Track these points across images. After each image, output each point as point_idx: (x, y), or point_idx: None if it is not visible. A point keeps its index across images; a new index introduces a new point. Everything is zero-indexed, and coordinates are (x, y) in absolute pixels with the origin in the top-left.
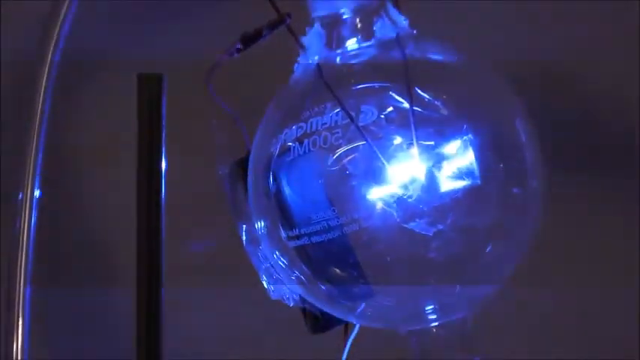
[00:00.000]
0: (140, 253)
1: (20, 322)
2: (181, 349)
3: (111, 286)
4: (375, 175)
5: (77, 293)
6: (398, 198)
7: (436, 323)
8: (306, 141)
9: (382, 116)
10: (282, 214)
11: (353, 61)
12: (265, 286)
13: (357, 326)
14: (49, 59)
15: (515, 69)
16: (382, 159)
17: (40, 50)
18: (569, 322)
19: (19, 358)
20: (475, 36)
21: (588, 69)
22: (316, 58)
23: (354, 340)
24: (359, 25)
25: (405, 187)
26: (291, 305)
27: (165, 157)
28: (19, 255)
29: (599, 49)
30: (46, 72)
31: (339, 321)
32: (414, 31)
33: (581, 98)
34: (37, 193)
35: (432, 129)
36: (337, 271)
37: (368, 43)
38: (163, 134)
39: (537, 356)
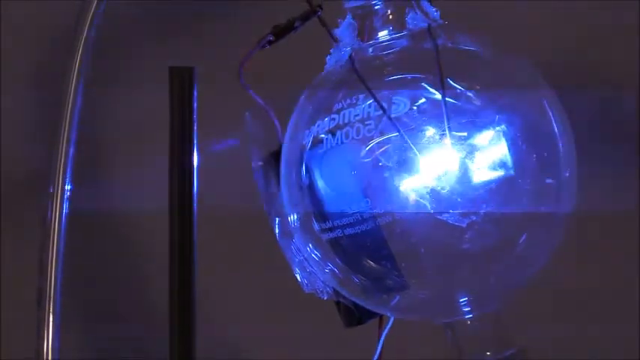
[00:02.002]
0: (172, 245)
1: (51, 319)
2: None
3: (144, 283)
4: (408, 167)
5: (110, 292)
6: (431, 189)
7: (470, 315)
8: (338, 133)
9: (415, 107)
10: (315, 206)
11: (385, 52)
12: (299, 279)
13: (392, 319)
14: (79, 52)
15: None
16: (415, 150)
17: (72, 38)
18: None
19: (49, 356)
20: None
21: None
22: (348, 49)
23: (388, 333)
24: (391, 16)
25: (438, 178)
26: (325, 298)
27: (197, 151)
28: (50, 251)
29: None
30: (76, 66)
31: (373, 314)
32: (446, 22)
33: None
34: (67, 186)
35: (464, 120)
36: (371, 263)
37: (400, 34)
38: (195, 126)
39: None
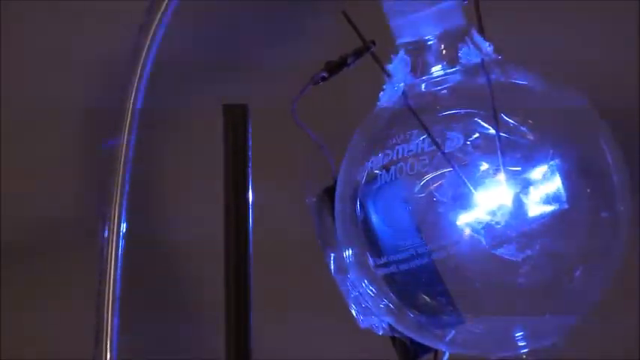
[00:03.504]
0: (228, 282)
1: (108, 356)
2: None
3: (197, 321)
4: (463, 202)
5: (164, 329)
6: (486, 224)
7: (526, 349)
8: (392, 168)
9: (468, 142)
10: (370, 241)
11: (438, 88)
12: (354, 314)
13: (447, 353)
14: (134, 89)
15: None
16: (469, 185)
17: (128, 76)
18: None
19: None
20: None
21: None
22: (401, 85)
23: None
24: (444, 52)
25: (493, 213)
26: (381, 334)
27: (252, 187)
28: (107, 289)
29: None
30: (131, 103)
31: (428, 349)
32: (499, 57)
33: None
34: (123, 226)
35: (518, 154)
36: (426, 298)
37: (453, 69)
38: (249, 164)
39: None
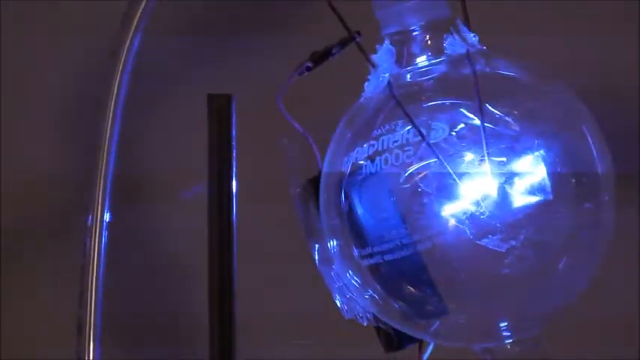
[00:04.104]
0: (212, 273)
1: (92, 347)
2: None
3: (183, 311)
4: (448, 193)
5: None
6: (470, 214)
7: (510, 340)
8: (377, 159)
9: (453, 133)
10: (355, 232)
11: (423, 78)
12: (339, 305)
13: (432, 344)
14: (117, 80)
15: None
16: (454, 176)
17: (111, 67)
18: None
19: None
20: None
21: None
22: (387, 75)
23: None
24: (429, 42)
25: (478, 203)
26: (365, 324)
27: (235, 177)
28: (90, 278)
29: None
30: (114, 93)
31: (413, 339)
32: (484, 47)
33: None
34: (106, 216)
35: (503, 145)
36: (411, 289)
37: (438, 60)
38: (234, 153)
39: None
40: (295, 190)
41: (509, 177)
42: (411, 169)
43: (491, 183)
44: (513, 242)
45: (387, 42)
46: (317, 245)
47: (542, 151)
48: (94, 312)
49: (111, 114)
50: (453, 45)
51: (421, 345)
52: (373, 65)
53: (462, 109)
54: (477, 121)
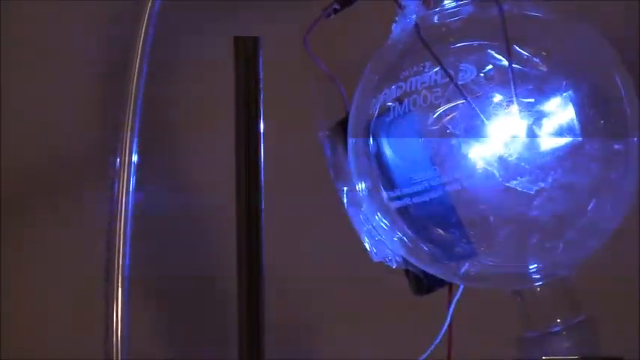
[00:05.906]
0: (240, 213)
1: (120, 292)
2: None
3: (208, 257)
4: (476, 134)
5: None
6: (499, 157)
7: (540, 283)
8: (405, 100)
9: (481, 74)
10: (383, 175)
11: (451, 20)
12: (367, 247)
13: (461, 287)
14: (144, 26)
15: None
16: (482, 117)
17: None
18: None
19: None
20: None
21: None
22: (414, 17)
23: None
24: None
25: (506, 145)
26: (394, 267)
27: (263, 120)
28: (118, 222)
29: None
30: (141, 40)
31: (442, 282)
32: None
33: None
34: (134, 157)
35: (531, 86)
36: (439, 231)
37: (465, 1)
38: (261, 95)
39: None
40: (324, 133)
41: (538, 118)
42: (439, 111)
43: (520, 124)
44: (542, 184)
45: None
46: (345, 188)
47: (570, 92)
48: (122, 255)
49: (137, 60)
50: None
51: (451, 288)
52: (400, 7)
53: (489, 50)
54: (505, 62)
